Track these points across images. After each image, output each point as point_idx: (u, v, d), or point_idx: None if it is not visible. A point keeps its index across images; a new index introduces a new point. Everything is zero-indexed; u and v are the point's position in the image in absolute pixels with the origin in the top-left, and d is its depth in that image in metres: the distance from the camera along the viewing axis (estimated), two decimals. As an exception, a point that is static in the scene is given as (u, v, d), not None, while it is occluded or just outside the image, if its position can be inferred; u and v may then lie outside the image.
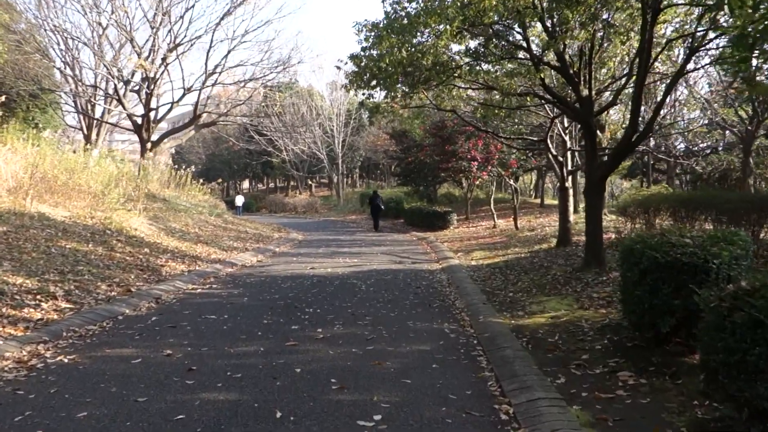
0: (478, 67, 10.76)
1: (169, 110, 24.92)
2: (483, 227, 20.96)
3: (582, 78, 9.98)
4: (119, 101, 23.38)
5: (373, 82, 10.58)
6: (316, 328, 6.48)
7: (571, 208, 13.90)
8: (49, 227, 10.20)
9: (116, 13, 22.42)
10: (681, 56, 16.00)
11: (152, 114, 23.64)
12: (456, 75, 10.66)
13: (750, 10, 3.08)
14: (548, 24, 9.48)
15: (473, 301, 7.94)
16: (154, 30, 22.82)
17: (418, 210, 24.14)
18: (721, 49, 10.19)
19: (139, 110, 24.03)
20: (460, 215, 23.51)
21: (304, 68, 77.76)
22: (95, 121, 25.53)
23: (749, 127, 16.42)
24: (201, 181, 25.43)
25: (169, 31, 23.34)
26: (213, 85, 25.08)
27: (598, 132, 11.40)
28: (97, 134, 25.46)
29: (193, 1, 31.17)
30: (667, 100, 15.07)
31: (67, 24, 25.03)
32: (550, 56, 10.71)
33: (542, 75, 10.04)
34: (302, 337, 6.03)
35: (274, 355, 5.36)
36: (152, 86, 23.13)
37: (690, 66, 10.82)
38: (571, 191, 14.33)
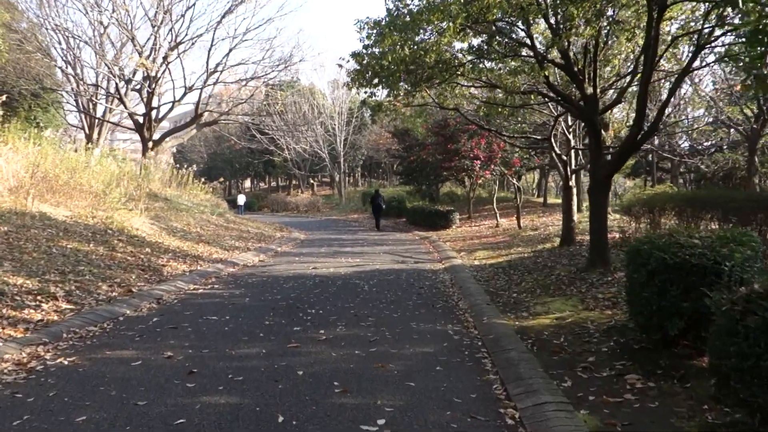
0: (481, 65, 10.69)
1: (171, 109, 24.87)
2: (486, 226, 20.87)
3: (587, 76, 9.88)
4: (121, 100, 23.35)
5: (375, 80, 10.49)
6: (319, 329, 6.41)
7: (574, 207, 13.81)
8: (50, 227, 10.15)
9: (117, 11, 22.40)
10: (686, 54, 15.95)
11: (154, 113, 23.60)
12: (459, 73, 10.57)
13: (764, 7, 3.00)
14: (552, 21, 9.39)
15: (477, 302, 7.87)
16: (156, 28, 22.77)
17: (420, 209, 24.06)
18: (727, 47, 10.12)
19: (141, 109, 24.00)
20: (462, 214, 23.43)
21: (306, 66, 77.94)
22: (97, 120, 25.52)
23: (755, 126, 16.29)
24: (203, 180, 25.40)
25: (171, 29, 23.32)
26: (214, 83, 25.04)
27: (602, 130, 11.31)
28: (99, 133, 25.44)
29: (194, -1, 31.01)
30: (672, 98, 14.95)
31: (69, 23, 24.94)
32: (554, 54, 10.63)
33: (546, 73, 9.94)
34: (304, 339, 5.97)
35: (276, 357, 5.29)
36: (153, 85, 23.09)
37: (696, 64, 10.72)
38: (574, 190, 14.23)
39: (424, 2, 9.29)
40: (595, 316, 6.56)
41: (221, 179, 47.32)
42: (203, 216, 18.00)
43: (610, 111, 13.73)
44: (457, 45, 10.71)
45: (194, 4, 22.54)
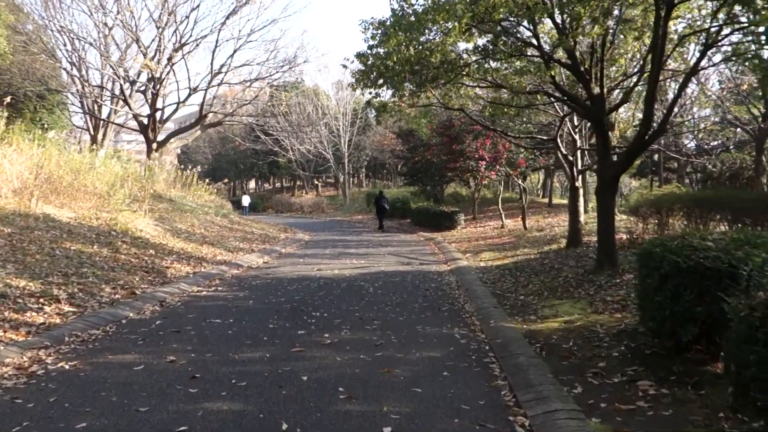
0: (486, 65, 10.59)
1: (175, 110, 24.85)
2: (491, 227, 20.76)
3: (593, 75, 9.77)
4: (125, 102, 23.35)
5: (380, 81, 10.41)
6: (323, 332, 6.32)
7: (581, 208, 13.69)
8: (53, 228, 10.10)
9: (122, 13, 22.38)
10: (693, 53, 15.81)
11: (158, 114, 23.60)
12: (464, 73, 10.48)
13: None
14: (558, 20, 9.28)
15: (483, 305, 7.77)
16: (160, 30, 22.76)
17: (425, 210, 23.97)
18: (734, 45, 9.99)
19: (145, 110, 24.01)
20: (467, 215, 23.32)
21: (310, 67, 77.74)
22: (102, 122, 25.52)
23: (762, 125, 16.14)
24: (207, 181, 25.37)
25: (175, 30, 23.31)
26: (219, 84, 25.04)
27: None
28: (104, 135, 25.45)
29: (198, 0, 31.00)
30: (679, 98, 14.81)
31: (74, 25, 24.94)
32: (560, 54, 10.51)
33: (553, 72, 9.83)
34: (309, 343, 5.88)
35: (280, 361, 5.20)
36: (158, 86, 23.08)
37: (703, 63, 10.60)
38: (581, 191, 14.11)
39: (430, 2, 9.20)
40: (605, 319, 6.45)
41: (226, 180, 47.38)
42: (207, 217, 17.95)
43: (616, 111, 13.62)
44: (462, 45, 10.63)
45: (198, 6, 22.54)
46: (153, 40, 23.51)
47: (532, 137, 17.36)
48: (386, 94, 12.31)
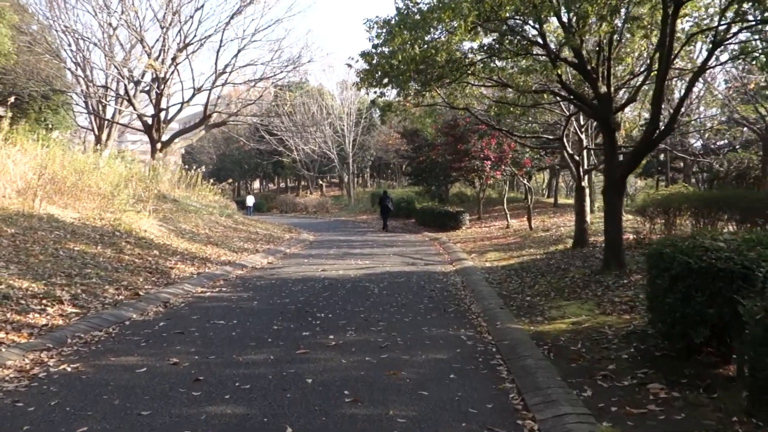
0: (492, 64, 10.51)
1: (180, 110, 24.86)
2: (496, 227, 20.66)
3: (600, 74, 9.68)
4: (130, 102, 23.36)
5: (385, 80, 10.33)
6: (328, 334, 6.26)
7: (587, 208, 13.59)
8: (57, 229, 10.07)
9: (126, 13, 22.40)
10: (699, 52, 15.69)
11: (162, 114, 23.60)
12: (470, 72, 10.40)
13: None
14: (564, 19, 9.19)
15: (490, 306, 7.69)
16: (164, 30, 22.76)
17: (429, 210, 23.88)
18: (742, 44, 9.87)
19: (150, 111, 24.01)
20: (472, 215, 23.22)
21: (315, 67, 77.77)
22: (106, 122, 25.54)
23: (769, 124, 15.99)
24: (211, 181, 25.36)
25: (179, 30, 23.31)
26: (223, 84, 25.01)
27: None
28: (108, 135, 25.47)
29: (202, 0, 31.00)
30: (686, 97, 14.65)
31: (78, 25, 24.99)
32: (566, 53, 10.41)
33: (559, 71, 9.74)
34: (313, 345, 5.81)
35: (285, 364, 5.14)
36: (162, 86, 23.08)
37: (711, 62, 10.49)
38: (587, 191, 14.00)
39: (435, 0, 9.12)
40: (613, 320, 6.36)
41: (230, 180, 47.23)
42: (212, 217, 17.91)
43: (622, 110, 13.51)
44: (468, 44, 10.55)
45: (203, 6, 22.51)
46: (157, 40, 23.53)
47: (537, 137, 17.26)
48: (391, 93, 12.25)
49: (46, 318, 6.27)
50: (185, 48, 23.36)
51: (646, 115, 15.74)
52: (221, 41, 30.82)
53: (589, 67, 9.57)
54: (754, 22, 8.33)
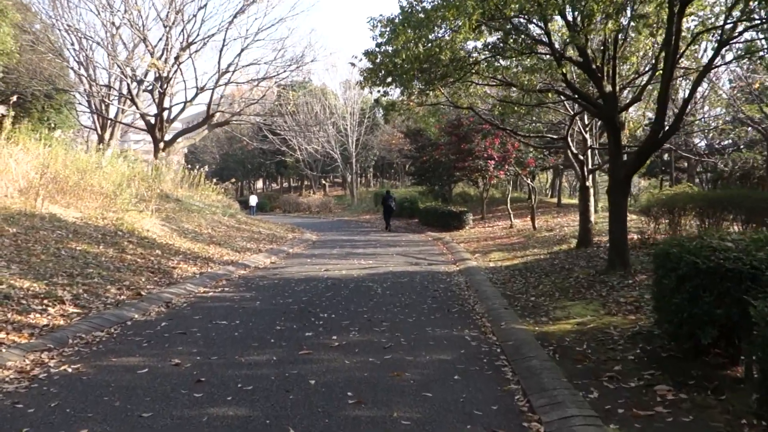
0: (496, 63, 10.44)
1: (183, 110, 24.81)
2: (499, 227, 20.59)
3: (605, 73, 9.61)
4: (133, 101, 23.33)
5: (389, 79, 10.29)
6: (331, 334, 6.21)
7: (592, 208, 13.52)
8: (59, 228, 10.04)
9: (129, 12, 22.37)
10: (704, 51, 15.59)
11: (165, 113, 23.56)
12: (474, 71, 10.34)
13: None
14: (570, 17, 9.13)
15: (494, 306, 7.64)
16: (167, 29, 22.71)
17: (433, 210, 23.82)
18: (748, 43, 9.80)
19: (153, 110, 23.97)
20: (475, 215, 23.16)
21: (318, 67, 77.62)
22: (109, 121, 25.54)
23: (774, 124, 15.89)
24: (215, 180, 25.35)
25: (182, 29, 23.26)
26: (226, 84, 24.95)
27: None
28: (111, 134, 25.46)
29: None
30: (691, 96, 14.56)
31: (81, 24, 24.95)
32: (571, 51, 10.35)
33: (564, 70, 9.67)
34: (316, 345, 5.77)
35: (287, 364, 5.09)
36: (165, 86, 23.04)
37: (716, 61, 10.41)
38: (591, 190, 13.93)
39: (439, -2, 9.07)
40: (618, 321, 6.30)
41: (233, 180, 47.32)
42: (215, 217, 17.89)
43: (627, 110, 13.43)
44: (472, 43, 10.49)
45: (206, 5, 22.37)
46: (160, 39, 23.50)
47: (541, 136, 17.18)
48: (395, 92, 12.20)
49: (47, 318, 6.23)
50: (188, 47, 23.33)
51: (651, 114, 15.65)
52: (224, 40, 30.71)
53: (594, 66, 9.50)
54: (759, 21, 8.25)
